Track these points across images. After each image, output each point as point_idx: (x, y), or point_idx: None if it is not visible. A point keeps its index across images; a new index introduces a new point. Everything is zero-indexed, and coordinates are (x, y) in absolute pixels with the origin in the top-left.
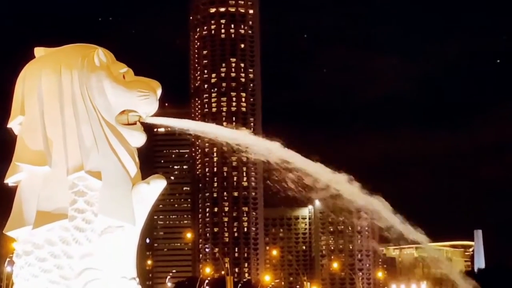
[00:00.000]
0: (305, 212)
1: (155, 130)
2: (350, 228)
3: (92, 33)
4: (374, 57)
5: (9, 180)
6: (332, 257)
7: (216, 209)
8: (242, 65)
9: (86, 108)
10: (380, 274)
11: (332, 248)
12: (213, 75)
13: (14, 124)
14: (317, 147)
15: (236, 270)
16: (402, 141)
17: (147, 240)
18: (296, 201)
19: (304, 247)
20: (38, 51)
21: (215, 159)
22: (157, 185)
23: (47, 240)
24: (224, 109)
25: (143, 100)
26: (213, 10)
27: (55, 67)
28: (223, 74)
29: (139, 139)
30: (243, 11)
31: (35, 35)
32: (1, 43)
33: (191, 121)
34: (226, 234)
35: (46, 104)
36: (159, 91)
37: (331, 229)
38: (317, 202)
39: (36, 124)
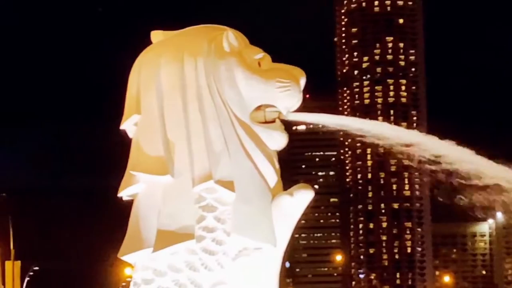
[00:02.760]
0: (484, 228)
1: (294, 128)
2: None
3: (218, 11)
4: None
5: (124, 193)
6: None
7: (371, 225)
8: (401, 45)
9: (214, 103)
10: None
11: None
12: (365, 58)
13: (128, 125)
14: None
15: None
16: None
17: (287, 264)
18: (473, 214)
19: (483, 272)
20: (156, 35)
21: (369, 163)
22: (302, 197)
23: (170, 266)
24: (379, 100)
25: (284, 92)
26: None
27: (176, 54)
28: (377, 57)
29: (279, 140)
30: None
31: (151, 16)
32: (111, 25)
33: (339, 116)
34: (385, 256)
35: (167, 99)
36: (302, 81)
37: None
38: (499, 215)
39: (154, 125)
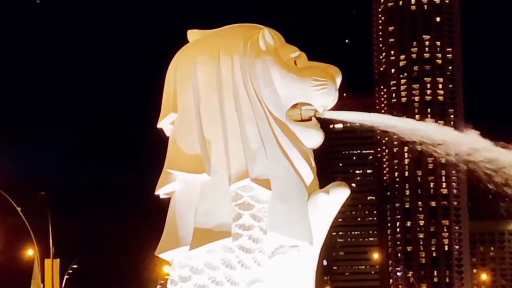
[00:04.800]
0: None
1: (331, 126)
2: None
3: (253, 10)
4: None
5: (161, 191)
6: None
7: (409, 223)
8: (438, 43)
9: (251, 102)
10: None
11: None
12: (402, 56)
13: (164, 123)
14: None
15: None
16: None
17: (324, 262)
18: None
19: None
20: (192, 34)
21: (406, 161)
22: (338, 195)
23: (207, 264)
24: (416, 98)
25: (320, 90)
26: None
27: (213, 53)
28: (414, 56)
29: (315, 138)
30: None
31: (188, 15)
32: (149, 25)
33: (377, 115)
34: (422, 254)
35: (203, 98)
36: (338, 79)
37: None
38: None
39: (191, 123)
